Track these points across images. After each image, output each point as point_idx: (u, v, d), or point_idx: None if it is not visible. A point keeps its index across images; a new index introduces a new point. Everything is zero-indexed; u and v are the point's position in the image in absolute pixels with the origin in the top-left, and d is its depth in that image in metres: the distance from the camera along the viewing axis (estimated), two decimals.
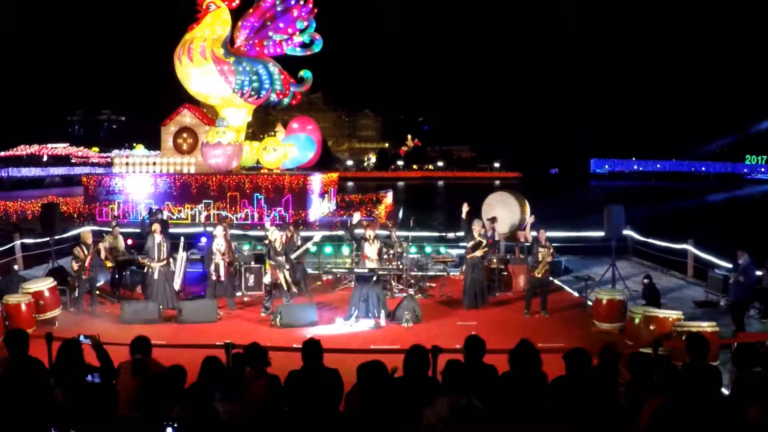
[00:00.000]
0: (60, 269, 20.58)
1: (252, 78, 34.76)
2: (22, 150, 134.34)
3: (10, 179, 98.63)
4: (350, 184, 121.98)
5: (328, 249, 23.65)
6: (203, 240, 21.62)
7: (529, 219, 22.74)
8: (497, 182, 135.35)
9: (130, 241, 22.18)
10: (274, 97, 36.25)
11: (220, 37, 34.63)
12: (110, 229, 21.63)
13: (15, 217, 41.68)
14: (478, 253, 19.27)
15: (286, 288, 18.52)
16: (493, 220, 22.66)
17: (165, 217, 25.63)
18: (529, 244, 21.35)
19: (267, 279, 18.64)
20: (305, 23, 35.75)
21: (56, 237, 22.56)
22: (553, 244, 19.67)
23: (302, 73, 37.46)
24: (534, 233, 20.37)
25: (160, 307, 17.92)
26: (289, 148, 36.69)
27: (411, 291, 19.49)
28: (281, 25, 35.70)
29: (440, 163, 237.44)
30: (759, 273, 18.17)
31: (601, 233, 23.24)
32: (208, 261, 19.29)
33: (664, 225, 37.06)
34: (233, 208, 33.17)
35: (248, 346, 8.40)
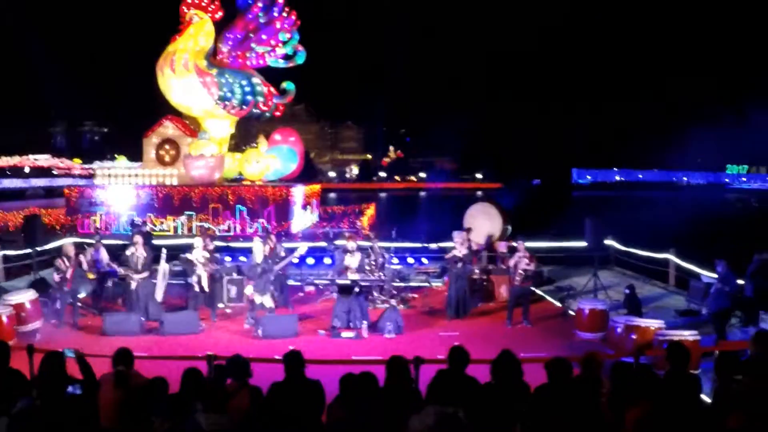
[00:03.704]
0: (42, 281, 20.52)
1: (235, 90, 34.75)
2: (4, 161, 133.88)
3: None
4: (333, 195, 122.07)
5: (310, 260, 23.60)
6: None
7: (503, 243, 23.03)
8: (479, 193, 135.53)
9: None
10: (256, 109, 36.25)
11: (203, 48, 34.60)
12: (93, 242, 21.50)
13: None
14: (454, 268, 19.43)
15: (260, 304, 18.42)
16: (468, 231, 22.65)
17: (148, 229, 25.60)
18: (510, 255, 21.44)
19: (249, 290, 18.60)
20: (288, 35, 35.81)
21: (38, 249, 22.48)
22: (536, 255, 19.70)
23: (285, 84, 37.47)
24: (514, 243, 20.45)
25: (142, 318, 17.89)
26: (272, 160, 36.69)
27: (393, 302, 19.49)
28: (264, 36, 35.75)
29: (422, 174, 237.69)
30: (740, 282, 18.27)
31: (583, 243, 23.34)
32: (190, 272, 19.32)
33: (645, 234, 37.17)
34: (216, 220, 33.12)
35: (230, 357, 8.41)
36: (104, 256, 21.06)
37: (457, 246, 19.62)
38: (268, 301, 18.25)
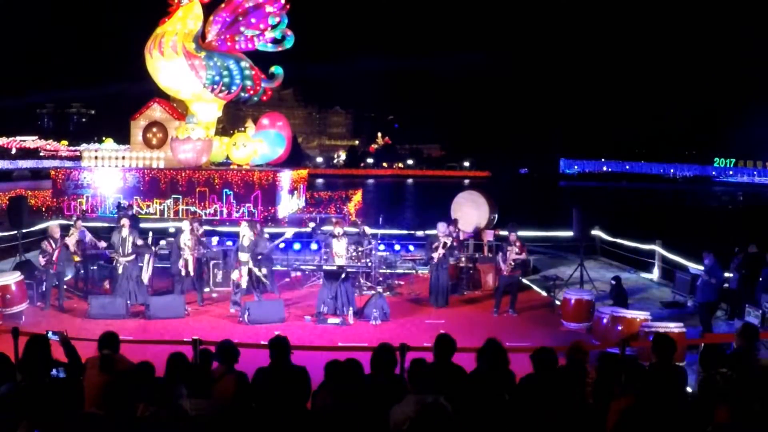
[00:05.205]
0: (27, 263, 20.43)
1: (223, 73, 34.62)
2: None
3: None
4: (320, 181, 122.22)
5: (296, 246, 23.55)
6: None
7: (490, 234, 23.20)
8: (466, 181, 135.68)
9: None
10: (244, 93, 36.12)
11: (191, 31, 34.42)
12: (72, 223, 21.37)
13: None
14: (435, 255, 19.30)
15: (251, 285, 18.46)
16: (455, 221, 22.70)
17: (134, 212, 25.50)
18: (498, 243, 21.47)
19: (235, 275, 18.59)
20: (277, 19, 35.64)
21: (24, 230, 22.38)
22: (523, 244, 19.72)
23: (273, 69, 37.33)
24: (504, 232, 20.46)
25: (128, 302, 17.84)
26: (259, 144, 36.59)
27: (379, 288, 19.48)
28: (253, 20, 35.58)
29: (410, 161, 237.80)
30: (728, 275, 18.35)
31: (570, 233, 23.36)
32: (175, 257, 19.27)
33: (632, 225, 37.32)
34: (202, 204, 33.01)
35: (220, 342, 8.38)
36: (88, 236, 20.98)
37: (440, 236, 19.58)
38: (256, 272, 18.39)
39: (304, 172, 44.79)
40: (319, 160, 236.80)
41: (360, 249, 20.63)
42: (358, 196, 50.49)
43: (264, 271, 18.66)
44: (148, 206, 33.05)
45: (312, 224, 20.36)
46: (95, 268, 20.96)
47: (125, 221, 18.85)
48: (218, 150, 36.50)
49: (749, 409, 6.40)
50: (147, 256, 19.19)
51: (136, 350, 9.60)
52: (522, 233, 21.19)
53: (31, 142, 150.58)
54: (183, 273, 19.00)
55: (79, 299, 19.39)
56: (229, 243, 22.16)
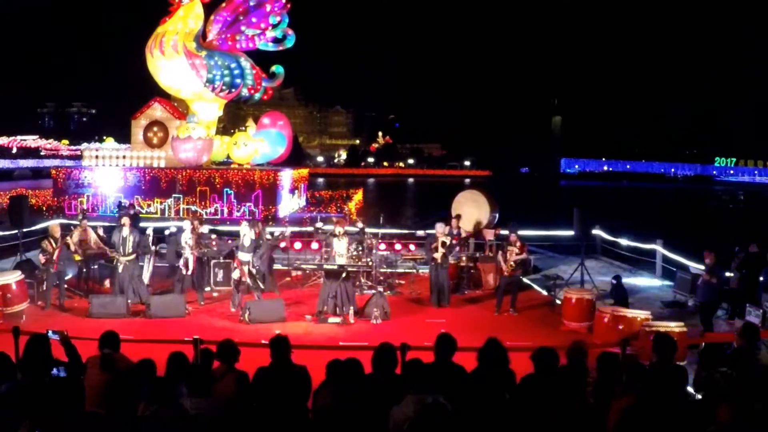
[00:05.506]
0: (28, 262, 20.41)
1: (224, 72, 34.59)
2: None
3: None
4: (320, 180, 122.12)
5: (297, 245, 23.50)
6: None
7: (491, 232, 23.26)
8: (467, 180, 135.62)
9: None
10: (245, 92, 36.07)
11: (192, 30, 34.37)
12: (77, 223, 21.41)
13: None
14: (436, 255, 19.30)
15: (252, 285, 18.46)
16: (458, 217, 22.71)
17: (135, 212, 25.47)
18: (499, 242, 21.48)
19: (236, 274, 18.57)
20: (278, 18, 35.60)
21: (24, 230, 22.36)
22: (524, 243, 19.70)
23: (274, 68, 37.30)
24: (505, 232, 20.46)
25: (128, 301, 17.83)
26: (260, 144, 36.56)
27: (380, 288, 19.46)
28: (254, 19, 35.55)
29: (411, 161, 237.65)
30: (729, 274, 18.34)
31: (571, 232, 23.33)
32: (172, 255, 19.27)
33: (632, 224, 37.29)
34: (203, 203, 32.97)
35: (221, 341, 8.38)
36: (92, 236, 20.97)
37: (439, 236, 19.57)
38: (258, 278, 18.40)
39: (304, 172, 44.79)
40: (320, 159, 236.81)
41: (361, 246, 20.64)
42: (358, 196, 50.48)
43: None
44: (148, 205, 33.03)
45: (321, 223, 20.30)
46: (96, 267, 20.94)
47: (126, 220, 18.84)
48: (219, 149, 36.47)
49: (750, 408, 6.40)
50: (147, 256, 19.18)
51: (136, 349, 9.58)
52: (523, 233, 21.17)
53: (31, 141, 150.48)
54: (184, 272, 18.99)
55: (79, 298, 19.35)
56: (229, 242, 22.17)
